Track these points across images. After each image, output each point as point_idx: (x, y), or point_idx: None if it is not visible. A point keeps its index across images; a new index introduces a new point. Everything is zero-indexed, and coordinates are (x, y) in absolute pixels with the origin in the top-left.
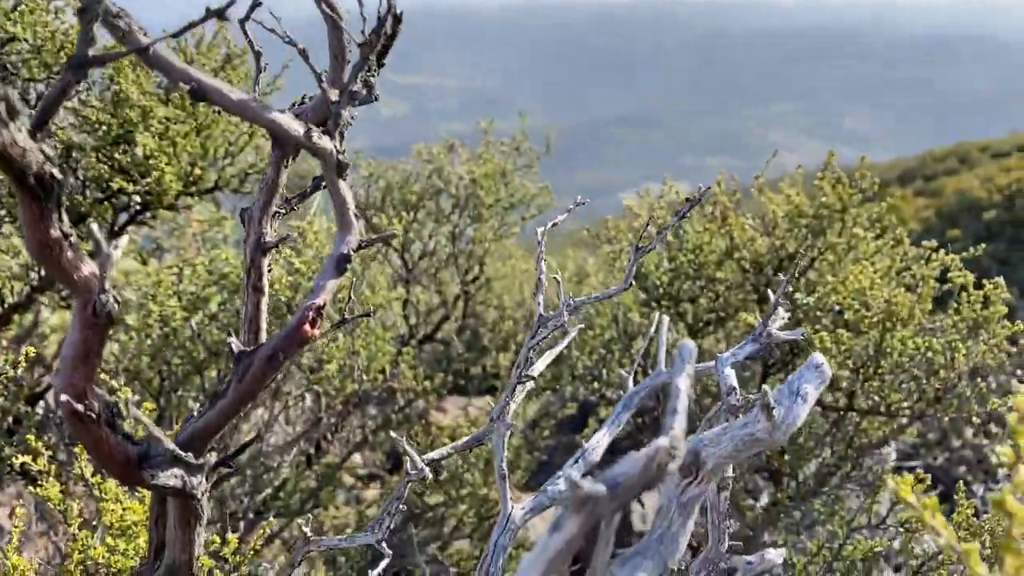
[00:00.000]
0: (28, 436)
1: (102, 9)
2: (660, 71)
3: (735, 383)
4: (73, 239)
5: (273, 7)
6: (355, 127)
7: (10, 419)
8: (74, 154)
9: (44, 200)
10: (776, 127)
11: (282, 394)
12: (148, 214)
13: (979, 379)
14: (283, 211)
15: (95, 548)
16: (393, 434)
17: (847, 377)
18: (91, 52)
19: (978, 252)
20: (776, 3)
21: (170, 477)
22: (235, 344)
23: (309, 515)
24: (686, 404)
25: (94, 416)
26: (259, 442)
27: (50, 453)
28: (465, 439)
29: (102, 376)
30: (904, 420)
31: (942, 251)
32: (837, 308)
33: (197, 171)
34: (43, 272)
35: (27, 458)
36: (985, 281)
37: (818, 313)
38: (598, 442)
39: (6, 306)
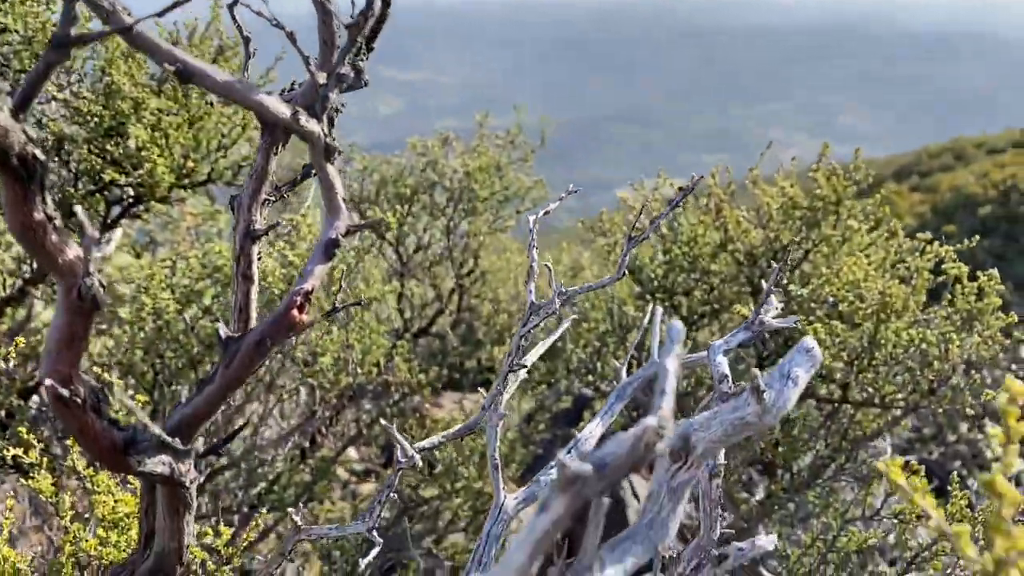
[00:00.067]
0: (20, 429)
1: None
2: (659, 68)
3: (727, 371)
4: (57, 222)
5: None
6: (352, 124)
7: (2, 413)
8: (66, 146)
9: (27, 181)
10: (775, 125)
11: (276, 387)
12: (141, 207)
13: (973, 371)
14: (273, 199)
15: (87, 540)
16: (383, 422)
17: (841, 369)
18: (73, 31)
19: (972, 244)
20: (776, 0)
21: (157, 464)
22: (223, 330)
23: (299, 504)
24: (674, 385)
25: (79, 401)
26: (253, 435)
27: (43, 446)
28: (457, 427)
29: (95, 368)
30: (898, 412)
31: (936, 243)
32: (832, 300)
33: (190, 163)
34: (35, 265)
35: (19, 451)
36: (979, 273)
37: (812, 305)
38: (592, 432)
39: None
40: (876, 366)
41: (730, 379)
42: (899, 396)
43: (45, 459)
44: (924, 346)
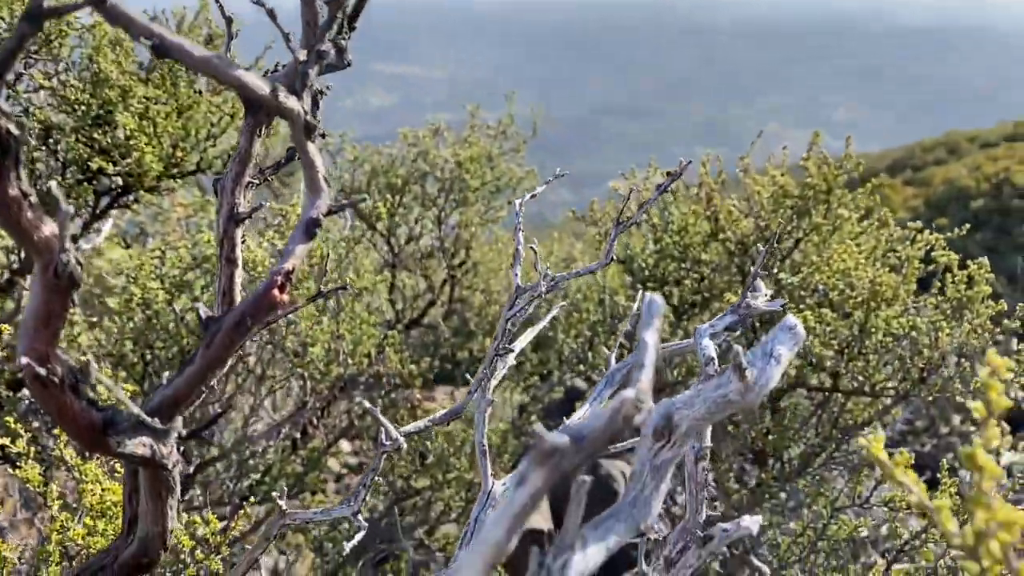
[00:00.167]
0: (7, 419)
1: None
2: (656, 63)
3: (713, 354)
4: (33, 198)
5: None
6: (344, 117)
7: None
8: (53, 135)
9: (1, 157)
10: (771, 120)
11: (267, 378)
12: (130, 197)
13: (964, 360)
14: (257, 182)
15: (74, 529)
16: (367, 404)
17: (831, 357)
18: (48, 3)
19: (962, 232)
20: None
21: (138, 445)
22: (203, 310)
23: (285, 489)
24: (653, 358)
25: (57, 381)
26: (245, 427)
27: (31, 435)
28: (443, 411)
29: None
30: (888, 401)
31: (927, 231)
32: (822, 288)
33: (179, 153)
34: (24, 255)
35: (6, 440)
36: (969, 262)
37: (802, 293)
38: (580, 418)
39: None
40: (866, 354)
41: (716, 363)
42: (889, 384)
43: (32, 449)
44: (914, 334)
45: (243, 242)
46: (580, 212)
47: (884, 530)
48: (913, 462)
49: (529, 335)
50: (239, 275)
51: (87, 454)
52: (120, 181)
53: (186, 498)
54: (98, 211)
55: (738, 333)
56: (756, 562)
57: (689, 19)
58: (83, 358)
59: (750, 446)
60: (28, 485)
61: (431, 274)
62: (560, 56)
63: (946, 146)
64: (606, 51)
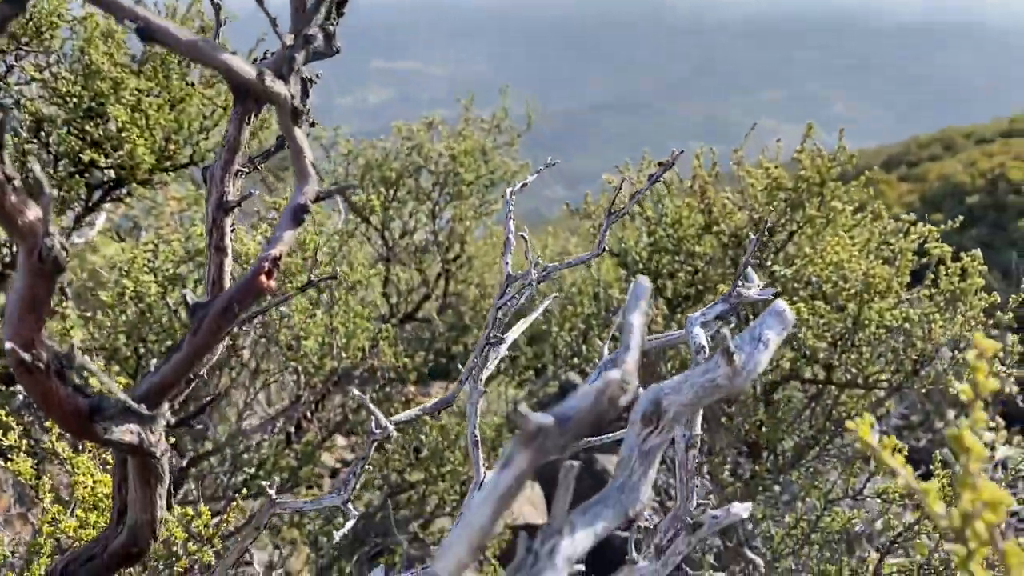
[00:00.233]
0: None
1: None
2: (653, 59)
3: (704, 342)
4: (16, 183)
5: None
6: (343, 115)
7: None
8: (45, 127)
9: None
10: (767, 116)
11: (261, 372)
12: (123, 190)
13: (957, 352)
14: (246, 170)
15: (66, 521)
16: (356, 392)
17: (825, 350)
18: None
19: (955, 224)
20: None
21: (125, 432)
22: (189, 296)
23: (274, 477)
24: (639, 340)
25: (42, 366)
26: (239, 420)
27: (23, 429)
28: (433, 401)
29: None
30: (882, 393)
31: (920, 224)
32: (816, 281)
33: (172, 146)
34: (16, 250)
35: None
36: (963, 254)
37: (795, 285)
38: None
39: None
40: (860, 347)
41: (707, 351)
42: (883, 377)
43: (25, 442)
44: (907, 326)
45: (233, 230)
46: (574, 205)
47: (879, 524)
48: (908, 457)
49: (522, 325)
50: (229, 264)
51: (80, 447)
52: (112, 174)
53: (181, 493)
54: (91, 204)
55: (732, 325)
56: (750, 554)
57: (688, 16)
58: (68, 343)
59: (744, 439)
60: (20, 478)
61: (425, 268)
62: (559, 53)
63: (942, 142)
64: (605, 48)
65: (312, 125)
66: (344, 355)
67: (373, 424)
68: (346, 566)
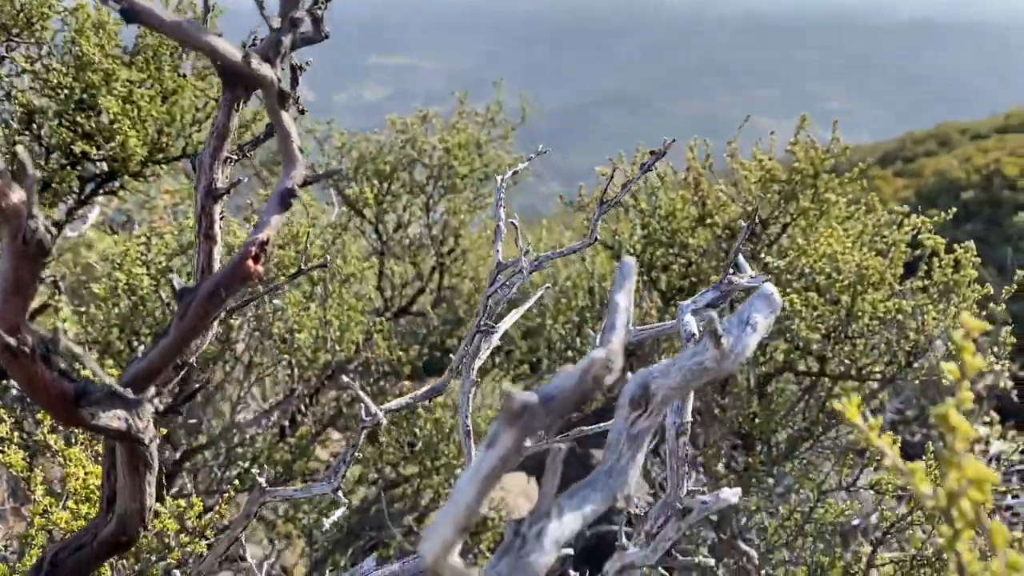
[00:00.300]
0: None
1: None
2: (651, 56)
3: (695, 330)
4: None
5: None
6: (339, 112)
7: None
8: (36, 119)
9: None
10: (763, 112)
11: (255, 365)
12: (115, 183)
13: (950, 343)
14: (235, 157)
15: (58, 513)
16: (345, 379)
17: (818, 342)
18: None
19: (948, 216)
20: None
21: (112, 418)
22: (177, 281)
23: (264, 466)
24: (625, 319)
25: (27, 351)
26: (233, 414)
27: (14, 421)
28: (424, 389)
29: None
30: (876, 385)
31: (913, 216)
32: (808, 272)
33: (164, 139)
34: None
35: None
36: (956, 246)
37: (788, 277)
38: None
39: None
40: (853, 338)
41: (698, 338)
42: (876, 369)
43: (16, 435)
44: (901, 318)
45: (222, 218)
46: (568, 199)
47: (873, 519)
48: (903, 451)
49: (515, 315)
50: (218, 252)
51: (72, 439)
52: (105, 166)
53: (175, 487)
54: (83, 197)
55: (721, 310)
56: (743, 546)
57: (688, 13)
58: (53, 328)
59: (737, 431)
60: (11, 471)
61: (420, 261)
62: (557, 49)
63: (937, 138)
64: (603, 44)
65: (301, 112)
66: (338, 348)
67: (363, 412)
68: (340, 559)
